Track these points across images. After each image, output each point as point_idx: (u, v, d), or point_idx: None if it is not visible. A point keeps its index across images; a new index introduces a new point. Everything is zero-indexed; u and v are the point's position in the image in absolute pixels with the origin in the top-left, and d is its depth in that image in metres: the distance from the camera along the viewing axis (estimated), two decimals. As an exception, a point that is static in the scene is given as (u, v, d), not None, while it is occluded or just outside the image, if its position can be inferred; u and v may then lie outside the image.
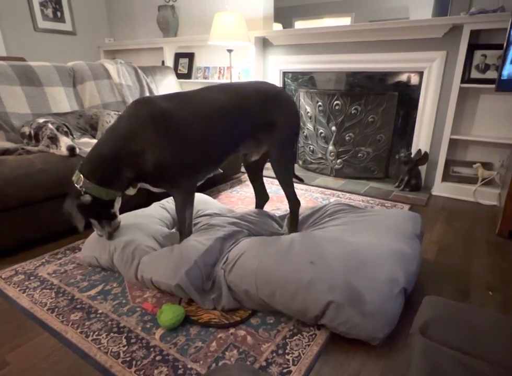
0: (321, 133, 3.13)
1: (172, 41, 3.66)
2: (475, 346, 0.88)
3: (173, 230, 1.76)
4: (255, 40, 3.13)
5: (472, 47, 2.36)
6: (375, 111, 2.84)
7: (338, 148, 3.04)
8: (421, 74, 2.64)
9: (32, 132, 1.96)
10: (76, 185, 1.47)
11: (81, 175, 1.46)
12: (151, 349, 1.16)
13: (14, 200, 1.67)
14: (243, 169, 3.23)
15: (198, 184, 1.63)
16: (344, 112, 2.92)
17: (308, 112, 3.17)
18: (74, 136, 2.12)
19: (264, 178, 1.97)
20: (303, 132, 3.30)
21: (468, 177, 2.62)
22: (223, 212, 1.88)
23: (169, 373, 1.06)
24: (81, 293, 1.45)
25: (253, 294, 1.29)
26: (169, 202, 2.00)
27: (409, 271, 1.32)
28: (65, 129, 1.99)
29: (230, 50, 3.09)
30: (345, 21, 4.69)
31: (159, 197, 2.16)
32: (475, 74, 2.40)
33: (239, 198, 2.57)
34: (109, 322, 1.28)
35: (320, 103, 3.04)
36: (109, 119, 2.37)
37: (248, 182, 2.93)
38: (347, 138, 2.98)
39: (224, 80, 3.47)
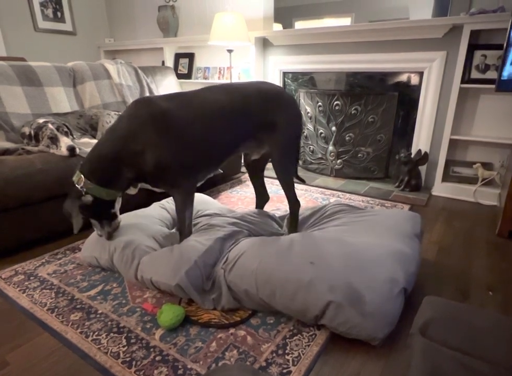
0: (321, 133, 3.13)
1: (172, 41, 3.66)
2: (475, 346, 0.88)
3: (173, 230, 1.76)
4: (255, 41, 3.13)
5: (472, 47, 2.36)
6: (375, 111, 2.84)
7: (338, 148, 3.04)
8: (421, 74, 2.64)
9: (32, 132, 1.97)
10: (76, 185, 1.47)
11: (82, 176, 1.46)
12: (151, 349, 1.16)
13: (14, 200, 1.67)
14: (243, 169, 3.23)
15: (198, 184, 1.63)
16: (344, 112, 2.92)
17: (308, 112, 3.17)
18: (75, 136, 2.12)
19: (265, 179, 1.97)
20: (303, 132, 3.30)
21: (468, 178, 2.62)
22: (223, 213, 1.88)
23: (168, 373, 1.06)
24: (81, 293, 1.45)
25: (253, 294, 1.29)
26: (169, 203, 2.00)
27: (409, 271, 1.32)
28: (65, 129, 1.99)
29: (230, 51, 3.09)
30: (345, 21, 4.69)
31: (159, 197, 2.16)
32: (475, 74, 2.40)
33: (239, 198, 2.57)
34: (109, 323, 1.28)
35: (320, 103, 3.04)
36: (110, 119, 2.37)
37: (248, 182, 2.93)
38: (347, 138, 2.98)
39: (225, 80, 3.47)
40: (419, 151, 2.70)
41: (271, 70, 3.31)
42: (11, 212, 1.69)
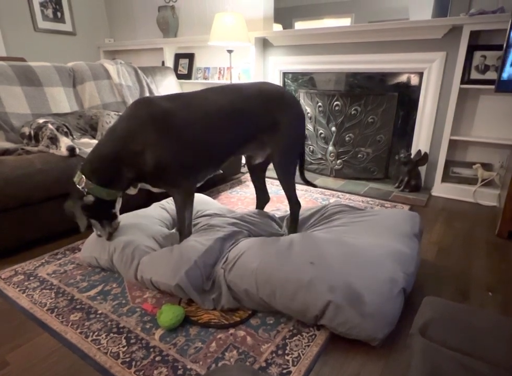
0: (321, 133, 3.13)
1: (172, 42, 3.66)
2: (475, 347, 0.88)
3: (173, 230, 1.76)
4: (255, 41, 3.13)
5: (472, 48, 2.36)
6: (375, 112, 2.84)
7: (338, 149, 3.04)
8: (421, 75, 2.65)
9: (32, 132, 1.97)
10: (77, 186, 1.47)
11: (83, 176, 1.46)
12: (151, 350, 1.16)
13: (14, 200, 1.67)
14: (243, 170, 3.23)
15: (198, 184, 1.63)
16: (344, 113, 2.92)
17: (308, 113, 3.17)
18: (74, 136, 2.12)
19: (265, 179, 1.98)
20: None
21: (468, 178, 2.62)
22: (223, 213, 1.88)
23: (168, 374, 1.06)
24: (81, 294, 1.45)
25: (253, 293, 1.29)
26: (169, 203, 2.00)
27: (409, 271, 1.33)
28: (65, 129, 1.99)
29: (230, 51, 3.10)
30: (345, 21, 4.70)
31: (158, 198, 2.16)
32: (474, 75, 2.40)
33: (239, 198, 2.57)
34: (109, 323, 1.28)
35: (319, 104, 3.04)
36: (109, 119, 2.37)
37: (248, 183, 2.94)
38: (347, 139, 2.99)
39: (224, 81, 3.47)
40: (419, 151, 2.70)
41: (271, 70, 3.31)
42: (11, 212, 1.69)
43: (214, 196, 2.60)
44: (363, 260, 1.32)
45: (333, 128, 3.01)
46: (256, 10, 3.21)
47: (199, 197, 2.06)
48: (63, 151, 1.88)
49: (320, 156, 3.20)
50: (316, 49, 3.01)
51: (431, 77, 2.58)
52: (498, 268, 1.68)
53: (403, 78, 2.73)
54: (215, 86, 1.60)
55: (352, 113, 2.89)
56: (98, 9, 4.30)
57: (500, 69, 1.97)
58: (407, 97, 2.76)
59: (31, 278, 1.57)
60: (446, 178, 2.68)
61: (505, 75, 1.96)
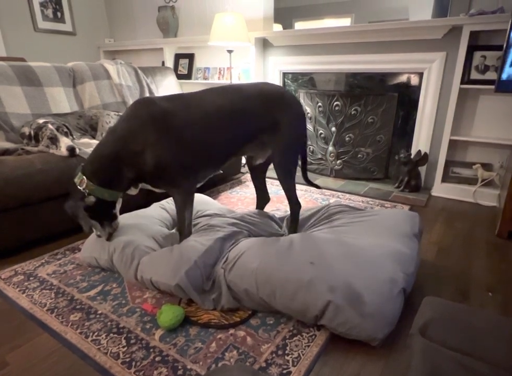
0: (321, 134, 3.13)
1: (172, 42, 3.66)
2: (475, 347, 0.88)
3: (173, 231, 1.76)
4: (255, 41, 3.13)
5: (472, 48, 2.36)
6: (375, 112, 2.84)
7: (338, 149, 3.04)
8: (421, 75, 2.65)
9: (32, 132, 1.97)
10: (78, 187, 1.47)
11: (84, 177, 1.46)
12: (151, 350, 1.16)
13: (14, 200, 1.67)
14: (243, 170, 3.23)
15: (199, 184, 1.63)
16: (344, 113, 2.92)
17: (308, 113, 3.17)
18: (74, 137, 2.12)
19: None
20: (303, 133, 3.30)
21: (468, 178, 2.62)
22: (223, 213, 1.88)
23: (168, 374, 1.06)
24: (81, 294, 1.45)
25: (253, 293, 1.29)
26: (169, 203, 2.00)
27: (409, 272, 1.33)
28: (65, 129, 1.99)
29: (230, 51, 3.10)
30: (344, 21, 4.70)
31: (158, 198, 2.16)
32: (474, 75, 2.40)
33: (239, 198, 2.57)
34: (109, 323, 1.28)
35: (319, 104, 3.04)
36: (109, 119, 2.37)
37: (248, 183, 2.94)
38: (346, 139, 2.99)
39: (224, 81, 3.47)
40: (419, 151, 2.70)
41: (271, 70, 3.31)
42: (11, 212, 1.69)
43: (215, 196, 2.60)
44: (363, 260, 1.32)
45: (333, 128, 3.01)
46: (256, 10, 3.21)
47: (199, 197, 2.06)
48: (63, 151, 1.88)
49: (319, 156, 3.20)
50: (316, 50, 3.01)
51: (431, 77, 2.58)
52: (498, 268, 1.68)
53: (403, 78, 2.73)
54: (215, 87, 1.60)
55: (352, 113, 2.89)
56: (98, 9, 4.30)
57: (500, 69, 1.97)
58: (407, 98, 2.76)
59: (31, 278, 1.57)
60: (446, 178, 2.68)
61: (505, 75, 1.96)
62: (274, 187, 2.80)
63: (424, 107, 2.67)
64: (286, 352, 1.14)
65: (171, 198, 2.01)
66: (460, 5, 2.66)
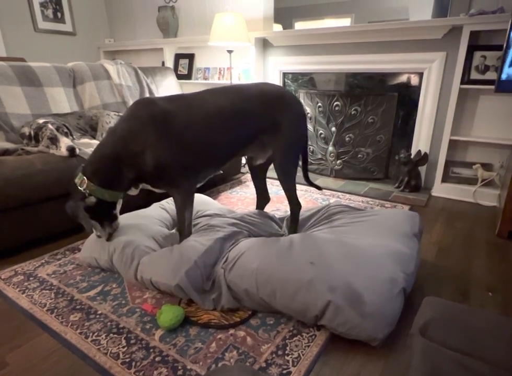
0: (321, 134, 3.13)
1: (172, 42, 3.66)
2: (475, 347, 0.88)
3: (173, 231, 1.76)
4: (255, 41, 3.13)
5: (472, 48, 2.36)
6: (375, 112, 2.84)
7: (338, 149, 3.04)
8: (421, 75, 2.65)
9: (32, 132, 1.97)
10: (79, 187, 1.47)
11: (84, 177, 1.46)
12: (151, 350, 1.16)
13: (14, 201, 1.67)
14: (243, 170, 3.23)
15: (199, 185, 1.63)
16: (344, 113, 2.92)
17: (308, 113, 3.17)
18: (74, 137, 2.12)
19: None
20: (303, 133, 3.30)
21: (468, 178, 2.62)
22: (223, 213, 1.88)
23: (168, 374, 1.06)
24: (81, 294, 1.45)
25: (253, 293, 1.29)
26: (169, 203, 2.00)
27: (409, 271, 1.33)
28: (65, 129, 1.99)
29: (230, 51, 3.10)
30: (345, 21, 4.70)
31: (158, 198, 2.16)
32: (474, 75, 2.40)
33: (239, 198, 2.57)
34: (109, 323, 1.28)
35: (319, 104, 3.04)
36: (109, 120, 2.37)
37: (248, 183, 2.93)
38: (346, 139, 2.99)
39: (225, 81, 3.47)
40: (419, 151, 2.70)
41: (271, 70, 3.31)
42: (11, 213, 1.69)
43: (215, 196, 2.60)
44: (363, 260, 1.32)
45: (333, 128, 3.01)
46: (256, 10, 3.21)
47: (199, 197, 2.06)
48: (63, 151, 1.88)
49: (320, 156, 3.20)
50: (316, 50, 3.01)
51: (431, 77, 2.58)
52: (498, 268, 1.68)
53: (403, 78, 2.73)
54: (216, 87, 1.60)
55: (352, 113, 2.89)
56: (98, 9, 4.30)
57: (500, 69, 1.97)
58: (407, 98, 2.76)
59: (31, 278, 1.57)
60: (446, 178, 2.68)
61: (505, 75, 1.96)
62: (274, 187, 2.80)
63: (424, 107, 2.67)
64: (286, 352, 1.14)
65: (171, 198, 2.01)
66: (460, 5, 2.66)
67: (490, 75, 2.35)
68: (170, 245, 1.61)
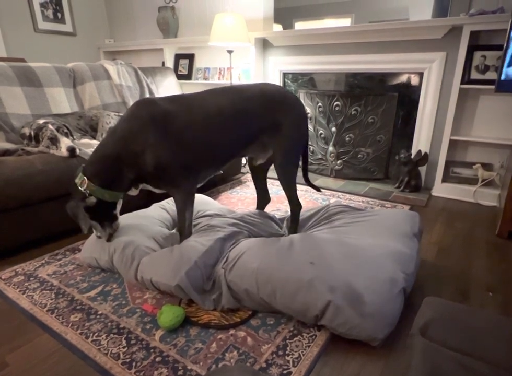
0: (321, 134, 3.13)
1: (172, 42, 3.66)
2: (475, 347, 0.88)
3: (173, 231, 1.76)
4: (255, 41, 3.13)
5: (472, 48, 2.36)
6: (375, 112, 2.84)
7: (338, 149, 3.04)
8: (421, 75, 2.65)
9: (32, 133, 1.97)
10: (79, 187, 1.47)
11: (85, 178, 1.46)
12: (151, 350, 1.16)
13: (14, 201, 1.67)
14: (243, 170, 3.23)
15: (199, 185, 1.63)
16: (344, 113, 2.92)
17: (308, 113, 3.18)
18: (75, 137, 2.12)
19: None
20: (303, 133, 3.30)
21: (468, 178, 2.62)
22: (223, 213, 1.88)
23: (169, 374, 1.06)
24: (81, 294, 1.45)
25: (253, 293, 1.29)
26: (169, 203, 2.00)
27: (408, 271, 1.33)
28: (65, 130, 1.99)
29: (230, 51, 3.10)
30: (345, 22, 4.70)
31: (159, 198, 2.16)
32: (474, 75, 2.40)
33: (239, 199, 2.57)
34: (109, 324, 1.28)
35: (319, 104, 3.04)
36: (110, 120, 2.37)
37: (249, 183, 2.94)
38: (347, 139, 2.99)
39: (225, 81, 3.47)
40: (419, 151, 2.70)
41: (271, 70, 3.31)
42: (11, 213, 1.69)
43: (215, 196, 2.60)
44: (363, 260, 1.32)
45: (333, 129, 3.01)
46: (256, 10, 3.21)
47: (199, 198, 2.06)
48: (63, 151, 1.88)
49: (320, 156, 3.20)
50: (316, 50, 3.01)
51: (431, 77, 2.58)
52: (498, 268, 1.68)
53: (403, 78, 2.73)
54: (216, 88, 1.60)
55: (352, 113, 2.89)
56: (98, 10, 4.30)
57: (500, 69, 1.97)
58: (407, 98, 2.76)
59: (31, 278, 1.57)
60: (446, 178, 2.68)
61: (505, 75, 1.96)
62: (275, 187, 2.80)
63: (424, 107, 2.67)
64: (286, 352, 1.14)
65: (172, 198, 2.01)
66: (460, 5, 2.66)
67: (490, 75, 2.35)
68: (170, 245, 1.61)
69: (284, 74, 3.30)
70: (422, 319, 0.98)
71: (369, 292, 1.19)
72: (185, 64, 3.77)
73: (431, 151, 2.73)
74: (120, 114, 2.49)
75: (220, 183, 2.93)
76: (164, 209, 1.94)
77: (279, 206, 2.41)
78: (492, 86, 2.27)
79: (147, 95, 2.99)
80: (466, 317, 0.98)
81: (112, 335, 1.22)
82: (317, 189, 1.91)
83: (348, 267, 1.28)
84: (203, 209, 1.93)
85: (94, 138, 2.30)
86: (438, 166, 2.65)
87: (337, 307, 1.16)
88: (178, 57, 3.81)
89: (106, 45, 4.29)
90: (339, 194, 2.71)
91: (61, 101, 2.45)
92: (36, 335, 1.24)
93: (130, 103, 2.82)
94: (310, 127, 3.20)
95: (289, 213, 1.77)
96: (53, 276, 1.59)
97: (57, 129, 1.94)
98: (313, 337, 1.21)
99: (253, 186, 1.97)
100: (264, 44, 3.27)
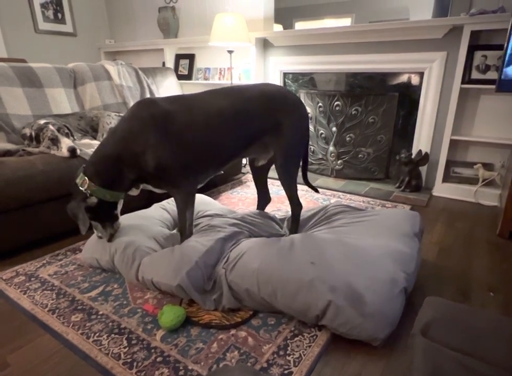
0: (322, 134, 3.13)
1: (173, 42, 3.67)
2: (476, 347, 0.88)
3: (174, 231, 1.76)
4: (256, 41, 3.13)
5: (472, 48, 2.36)
6: (375, 112, 2.84)
7: (339, 149, 3.04)
8: (421, 75, 2.65)
9: (33, 133, 1.97)
10: (80, 188, 1.47)
11: (86, 178, 1.47)
12: (152, 350, 1.16)
13: (15, 201, 1.67)
14: (243, 170, 3.23)
15: (199, 185, 1.63)
16: (344, 113, 2.92)
17: (309, 113, 3.17)
18: (75, 137, 2.13)
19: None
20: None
21: (469, 178, 2.62)
22: (224, 213, 1.88)
23: (169, 374, 1.06)
24: (82, 294, 1.46)
25: (254, 293, 1.29)
26: (170, 203, 2.00)
27: (409, 271, 1.33)
28: (66, 130, 1.99)
29: (230, 51, 3.10)
30: (345, 21, 4.70)
31: (159, 198, 2.16)
32: (475, 75, 2.40)
33: (240, 199, 2.57)
34: (110, 324, 1.28)
35: (320, 104, 3.04)
36: (110, 120, 2.37)
37: (249, 183, 2.94)
38: (347, 139, 2.99)
39: (225, 81, 3.47)
40: (420, 151, 2.70)
41: (271, 70, 3.31)
42: (12, 213, 1.69)
43: (215, 197, 2.60)
44: (364, 260, 1.32)
45: (334, 128, 3.01)
46: (256, 10, 3.21)
47: (200, 198, 2.06)
48: (64, 152, 1.88)
49: (320, 156, 3.20)
50: (317, 50, 3.01)
51: (431, 77, 2.58)
52: (499, 268, 1.68)
53: (404, 78, 2.73)
54: (217, 88, 1.60)
55: (353, 113, 2.89)
56: (99, 10, 4.31)
57: (500, 68, 1.97)
58: (408, 97, 2.76)
59: (32, 279, 1.58)
60: (447, 178, 2.68)
61: (505, 75, 1.96)
62: (275, 187, 2.80)
63: (425, 107, 2.67)
64: (287, 352, 1.14)
65: (172, 198, 2.01)
66: (461, 5, 2.66)
67: (491, 75, 2.35)
68: (171, 245, 1.61)
69: (285, 74, 3.30)
70: (423, 319, 0.98)
71: (369, 292, 1.19)
72: (185, 64, 3.77)
73: (431, 151, 2.72)
74: (121, 115, 2.49)
75: (221, 183, 2.93)
76: (164, 209, 1.94)
77: (279, 206, 2.41)
78: (493, 86, 2.26)
79: (148, 96, 2.99)
80: (467, 317, 0.98)
81: (113, 335, 1.23)
82: (316, 190, 1.91)
83: (349, 267, 1.28)
84: (204, 209, 1.93)
85: (94, 138, 2.31)
86: (438, 166, 2.64)
87: (337, 307, 1.16)
88: (178, 57, 3.82)
89: (106, 46, 4.29)
90: (340, 193, 2.71)
91: (62, 101, 2.45)
92: (37, 335, 1.24)
93: (131, 103, 2.82)
94: (311, 127, 3.20)
95: (290, 213, 1.77)
96: (54, 276, 1.59)
97: (58, 130, 1.94)
98: (314, 337, 1.21)
99: (254, 186, 1.97)
100: (265, 44, 3.27)
